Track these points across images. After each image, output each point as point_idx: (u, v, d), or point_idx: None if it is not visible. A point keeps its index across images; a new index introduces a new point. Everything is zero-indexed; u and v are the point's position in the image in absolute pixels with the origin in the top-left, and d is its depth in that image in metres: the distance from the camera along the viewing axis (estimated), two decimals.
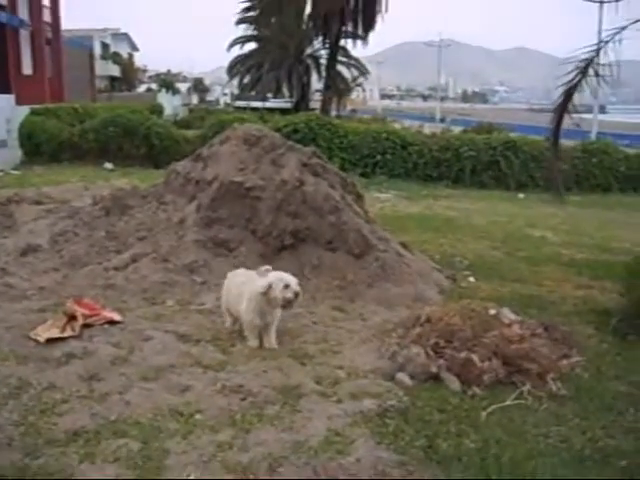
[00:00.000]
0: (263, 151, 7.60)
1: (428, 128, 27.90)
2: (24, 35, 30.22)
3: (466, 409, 4.26)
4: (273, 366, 4.75)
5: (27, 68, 30.59)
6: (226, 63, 52.75)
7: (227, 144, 7.81)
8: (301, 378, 4.57)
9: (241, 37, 49.84)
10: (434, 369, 4.71)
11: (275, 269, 6.78)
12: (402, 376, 4.69)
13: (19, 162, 17.68)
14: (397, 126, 27.75)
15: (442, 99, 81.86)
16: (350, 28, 30.13)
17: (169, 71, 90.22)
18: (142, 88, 66.58)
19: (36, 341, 5.10)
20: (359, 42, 32.57)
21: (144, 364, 4.73)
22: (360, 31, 30.34)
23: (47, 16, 32.33)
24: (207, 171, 7.62)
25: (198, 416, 4.02)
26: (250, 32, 49.76)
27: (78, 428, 3.82)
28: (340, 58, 37.96)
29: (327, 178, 7.46)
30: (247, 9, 46.29)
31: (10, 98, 28.77)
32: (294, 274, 6.74)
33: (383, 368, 4.83)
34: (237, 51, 50.88)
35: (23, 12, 29.94)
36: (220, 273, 6.69)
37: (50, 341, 5.07)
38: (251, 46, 50.62)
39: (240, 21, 47.86)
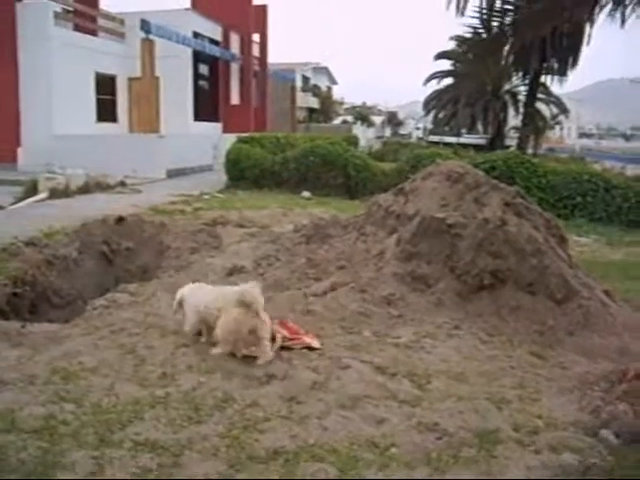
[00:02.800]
0: (466, 188, 7.55)
1: (631, 170, 26.43)
2: (234, 68, 32.31)
3: None
4: (469, 407, 4.66)
5: (235, 99, 32.62)
6: (420, 97, 53.30)
7: (429, 180, 7.85)
8: (498, 423, 4.45)
9: (439, 72, 50.08)
10: None
11: (472, 309, 6.74)
12: (606, 433, 4.42)
13: (224, 186, 18.72)
14: (597, 167, 26.56)
15: None
16: (551, 64, 29.35)
17: (364, 104, 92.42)
18: (338, 120, 68.59)
19: (234, 355, 5.37)
20: (559, 78, 31.63)
21: (341, 392, 4.82)
22: (561, 67, 29.47)
23: (256, 51, 34.35)
24: (408, 206, 7.69)
25: (394, 450, 4.02)
26: (448, 67, 49.99)
27: (278, 447, 3.96)
28: (539, 95, 37.00)
29: (530, 219, 7.27)
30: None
31: (218, 126, 30.88)
32: (491, 314, 6.70)
33: (584, 422, 4.59)
34: (434, 86, 51.18)
35: (235, 47, 32.02)
36: (416, 308, 6.73)
37: (246, 357, 5.31)
38: (448, 81, 50.75)
39: (439, 56, 48.11)
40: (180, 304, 5.92)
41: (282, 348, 5.50)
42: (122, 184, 17.91)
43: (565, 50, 27.53)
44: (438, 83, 50.68)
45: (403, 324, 6.42)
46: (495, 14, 22.99)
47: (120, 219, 9.53)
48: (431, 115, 54.58)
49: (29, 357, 5.33)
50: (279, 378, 4.98)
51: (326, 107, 64.99)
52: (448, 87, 49.99)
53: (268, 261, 7.99)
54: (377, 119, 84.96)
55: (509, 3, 23.45)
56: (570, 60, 28.26)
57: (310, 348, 5.59)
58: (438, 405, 4.69)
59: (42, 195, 14.95)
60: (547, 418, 4.62)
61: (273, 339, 5.51)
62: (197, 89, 29.48)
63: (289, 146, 21.67)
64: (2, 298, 7.71)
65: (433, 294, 6.88)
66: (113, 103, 26.53)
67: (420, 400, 4.77)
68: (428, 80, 50.26)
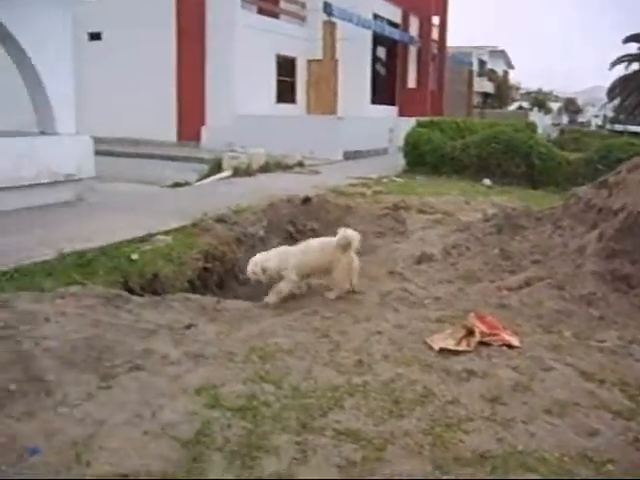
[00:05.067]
0: None
1: None
2: (412, 51, 31.98)
3: None
4: None
5: (412, 82, 32.33)
6: (602, 82, 50.62)
7: (636, 172, 7.29)
8: None
9: (626, 56, 47.20)
10: None
11: None
12: None
13: (401, 170, 18.53)
14: None
15: None
16: None
17: (540, 89, 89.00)
18: (513, 106, 66.53)
19: (430, 347, 5.20)
20: None
21: (546, 396, 4.52)
22: None
23: (435, 34, 33.82)
24: (612, 199, 7.18)
25: (610, 466, 3.69)
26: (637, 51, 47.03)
27: (484, 451, 3.74)
28: None
29: None
30: None
31: (394, 110, 30.75)
32: None
33: None
34: (620, 71, 48.40)
35: (414, 30, 31.69)
36: (619, 310, 6.24)
37: (442, 351, 5.12)
38: (636, 66, 47.77)
39: (628, 39, 45.33)
40: None
41: (480, 343, 5.27)
42: (300, 165, 18.19)
43: None
44: (626, 68, 47.85)
45: (606, 327, 5.97)
46: None
47: (306, 199, 9.60)
48: (614, 102, 51.74)
49: (226, 333, 5.44)
50: (479, 375, 4.75)
51: (502, 92, 63.14)
52: (637, 72, 47.06)
53: (458, 250, 7.73)
54: (554, 105, 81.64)
55: None
56: None
57: (509, 346, 5.32)
58: None
59: (226, 173, 15.47)
60: None
61: (472, 333, 5.30)
62: (374, 72, 29.46)
63: (468, 131, 21.12)
64: (194, 272, 7.99)
65: (637, 296, 6.37)
66: (292, 85, 27.04)
67: (634, 413, 4.38)
68: (614, 64, 47.60)
